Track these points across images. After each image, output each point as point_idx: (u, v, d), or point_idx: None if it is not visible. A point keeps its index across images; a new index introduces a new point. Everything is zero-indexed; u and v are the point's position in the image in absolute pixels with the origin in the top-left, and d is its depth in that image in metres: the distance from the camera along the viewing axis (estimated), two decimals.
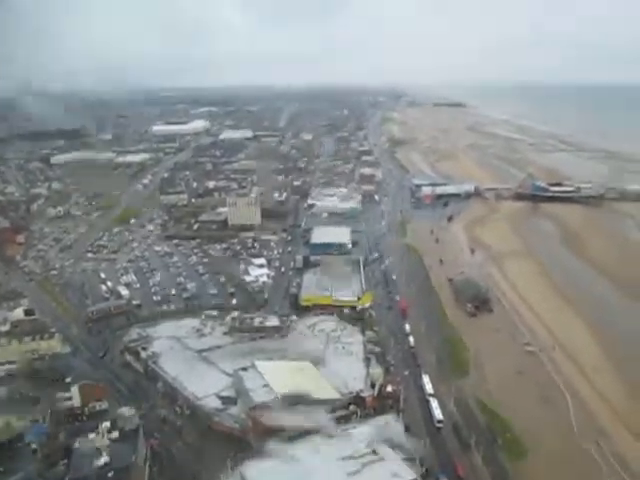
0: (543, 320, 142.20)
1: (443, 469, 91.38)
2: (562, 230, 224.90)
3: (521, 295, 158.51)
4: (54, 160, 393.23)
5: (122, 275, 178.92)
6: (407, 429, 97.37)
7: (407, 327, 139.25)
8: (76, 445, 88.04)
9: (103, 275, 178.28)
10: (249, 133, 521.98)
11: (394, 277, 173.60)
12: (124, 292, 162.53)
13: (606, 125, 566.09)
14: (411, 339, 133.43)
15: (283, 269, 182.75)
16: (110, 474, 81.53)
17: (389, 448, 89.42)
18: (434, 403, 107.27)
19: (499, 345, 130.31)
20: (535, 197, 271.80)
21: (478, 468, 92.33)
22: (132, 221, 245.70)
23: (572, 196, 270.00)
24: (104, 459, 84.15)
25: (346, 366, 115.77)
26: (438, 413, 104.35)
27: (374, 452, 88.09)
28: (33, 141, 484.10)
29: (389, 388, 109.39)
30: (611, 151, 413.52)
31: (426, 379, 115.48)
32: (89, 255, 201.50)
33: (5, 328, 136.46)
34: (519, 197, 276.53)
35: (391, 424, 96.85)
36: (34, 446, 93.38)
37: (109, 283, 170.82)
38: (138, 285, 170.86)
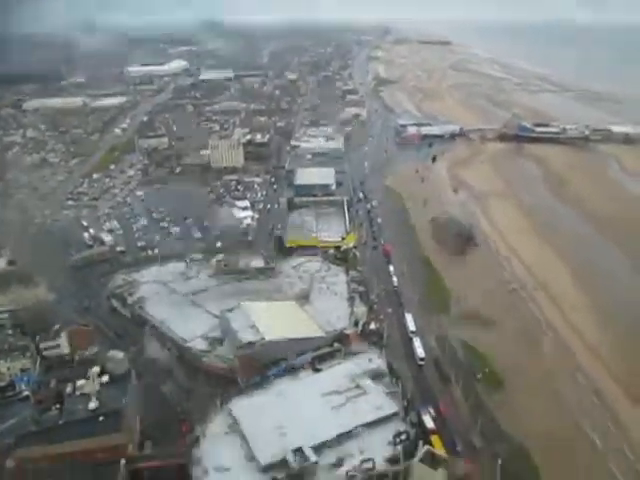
0: (524, 259, 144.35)
1: (424, 402, 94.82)
2: (545, 171, 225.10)
3: (503, 235, 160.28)
4: (26, 106, 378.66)
5: (104, 222, 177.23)
6: (390, 365, 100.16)
7: (391, 268, 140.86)
8: (68, 390, 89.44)
9: (85, 222, 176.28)
10: (230, 73, 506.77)
11: (378, 218, 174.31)
12: (107, 239, 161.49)
13: (594, 66, 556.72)
14: (394, 279, 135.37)
15: (269, 206, 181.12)
16: (102, 417, 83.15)
17: (372, 383, 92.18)
18: (417, 342, 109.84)
19: (480, 283, 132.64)
20: (520, 138, 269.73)
21: (457, 400, 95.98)
22: (112, 167, 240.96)
23: (557, 137, 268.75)
24: (96, 403, 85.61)
25: (330, 305, 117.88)
26: (420, 351, 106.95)
27: (357, 387, 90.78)
28: (1, 86, 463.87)
29: (372, 325, 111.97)
30: (598, 92, 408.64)
31: (409, 317, 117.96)
32: (69, 203, 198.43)
33: None
34: (504, 138, 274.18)
35: (374, 360, 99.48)
36: (26, 393, 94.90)
37: (91, 230, 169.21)
38: (121, 231, 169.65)
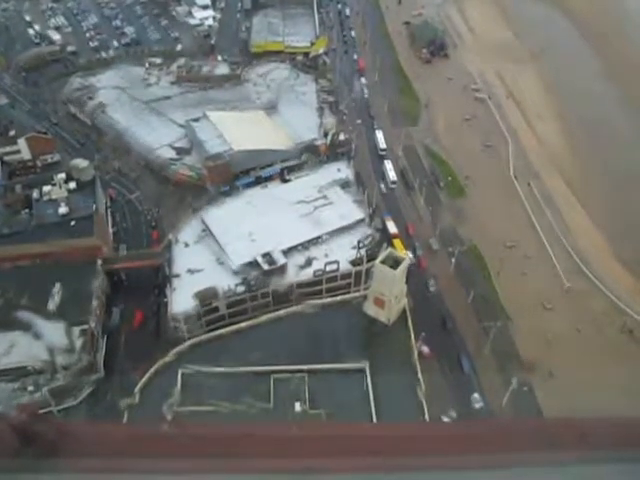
0: (497, 68, 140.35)
1: (388, 210, 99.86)
2: None
3: (479, 41, 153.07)
4: None
5: (50, 18, 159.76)
6: (357, 175, 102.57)
7: (362, 80, 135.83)
8: (35, 196, 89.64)
9: (28, 18, 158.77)
10: None
11: (349, 18, 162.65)
12: (55, 37, 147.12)
13: None
14: (365, 90, 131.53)
15: (237, 4, 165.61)
16: (74, 222, 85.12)
17: (340, 191, 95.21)
18: (388, 164, 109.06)
19: (451, 92, 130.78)
20: None
21: (420, 207, 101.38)
22: None
23: None
24: (65, 209, 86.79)
25: (299, 115, 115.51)
26: (392, 175, 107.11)
27: (325, 197, 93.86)
28: None
29: (342, 136, 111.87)
30: None
31: (379, 135, 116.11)
32: None
33: None
34: None
35: (342, 170, 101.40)
36: None
37: (36, 27, 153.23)
38: (70, 29, 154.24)
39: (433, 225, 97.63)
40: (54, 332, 71.84)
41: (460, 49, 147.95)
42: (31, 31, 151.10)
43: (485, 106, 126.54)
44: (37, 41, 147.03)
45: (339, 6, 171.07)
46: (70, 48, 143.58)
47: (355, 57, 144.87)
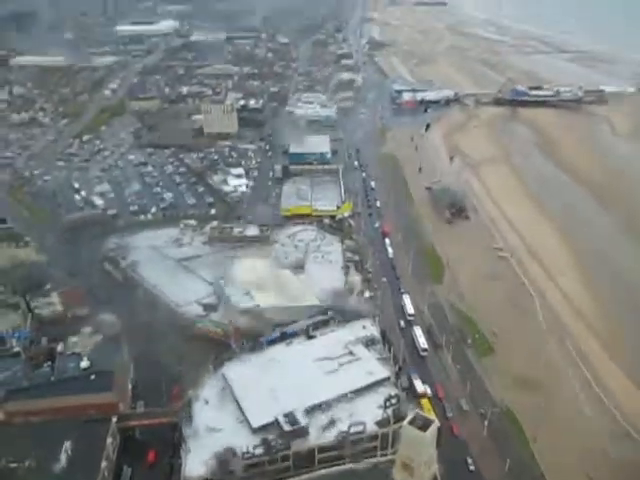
0: (516, 226, 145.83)
1: (415, 367, 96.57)
2: (539, 136, 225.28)
3: (496, 202, 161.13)
4: (14, 62, 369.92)
5: (96, 184, 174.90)
6: (383, 332, 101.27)
7: (386, 240, 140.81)
8: (59, 349, 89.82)
9: (76, 184, 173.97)
10: (222, 35, 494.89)
11: (373, 185, 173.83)
12: (99, 202, 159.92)
13: (593, 26, 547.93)
14: (390, 250, 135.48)
15: (268, 173, 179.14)
16: (94, 376, 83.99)
17: (365, 349, 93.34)
18: (417, 330, 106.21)
19: (473, 251, 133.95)
20: (514, 102, 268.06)
21: (448, 365, 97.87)
22: (102, 128, 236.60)
23: (551, 100, 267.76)
24: (87, 362, 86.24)
25: (325, 274, 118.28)
26: (422, 342, 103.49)
27: (350, 353, 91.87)
28: None
29: (367, 294, 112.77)
30: (594, 53, 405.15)
31: (407, 299, 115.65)
32: (60, 164, 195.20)
33: None
34: (498, 102, 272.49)
35: (368, 327, 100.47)
36: (17, 349, 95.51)
37: (83, 192, 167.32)
38: (113, 195, 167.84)
39: (462, 384, 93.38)
40: None
41: (480, 211, 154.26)
42: (77, 197, 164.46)
43: (508, 264, 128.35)
44: (81, 205, 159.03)
45: (364, 174, 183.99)
46: (111, 211, 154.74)
47: (379, 219, 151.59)
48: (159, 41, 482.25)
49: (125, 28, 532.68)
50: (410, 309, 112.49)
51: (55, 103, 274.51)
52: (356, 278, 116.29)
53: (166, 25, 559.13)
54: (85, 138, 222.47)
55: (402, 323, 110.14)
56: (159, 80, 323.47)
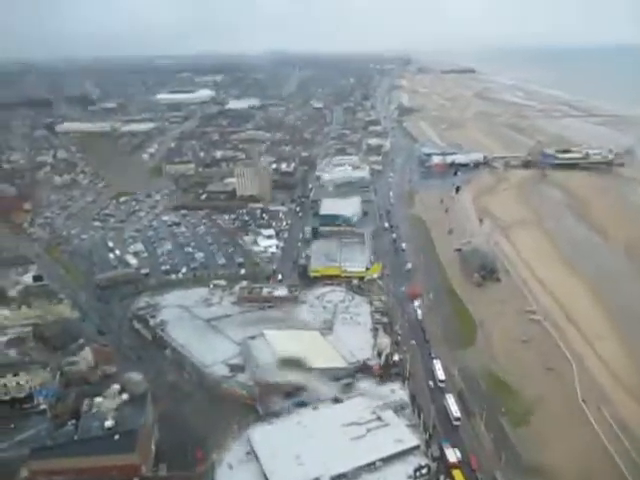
0: (549, 289, 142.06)
1: (447, 436, 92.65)
2: (570, 198, 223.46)
3: (528, 264, 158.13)
4: (59, 128, 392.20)
5: (130, 244, 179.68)
6: (413, 398, 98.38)
7: (416, 302, 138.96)
8: (85, 407, 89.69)
9: (111, 244, 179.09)
10: (255, 102, 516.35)
11: (403, 247, 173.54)
12: (132, 261, 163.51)
13: (618, 88, 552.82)
14: (419, 312, 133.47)
15: (296, 235, 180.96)
16: (118, 436, 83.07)
17: (394, 414, 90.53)
18: (450, 399, 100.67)
19: (505, 314, 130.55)
20: (543, 165, 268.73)
21: (481, 434, 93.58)
22: (139, 190, 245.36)
23: (581, 163, 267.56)
24: (112, 422, 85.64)
25: (354, 336, 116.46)
26: (455, 410, 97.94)
27: (379, 418, 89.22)
28: (37, 108, 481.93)
29: (396, 357, 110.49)
30: (621, 115, 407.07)
31: (437, 364, 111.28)
32: (96, 224, 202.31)
33: (15, 293, 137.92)
34: (528, 165, 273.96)
35: (397, 392, 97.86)
36: (43, 406, 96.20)
37: (117, 252, 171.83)
38: (146, 254, 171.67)
39: (497, 455, 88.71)
40: None
41: (511, 273, 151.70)
42: (111, 255, 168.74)
43: (542, 327, 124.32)
44: (115, 264, 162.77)
45: (394, 235, 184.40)
46: (143, 270, 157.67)
47: (409, 281, 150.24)
48: (196, 108, 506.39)
49: (165, 97, 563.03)
50: (441, 375, 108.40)
51: (95, 166, 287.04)
52: (385, 340, 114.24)
53: (204, 94, 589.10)
54: (122, 199, 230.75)
55: (432, 387, 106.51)
56: (195, 145, 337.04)
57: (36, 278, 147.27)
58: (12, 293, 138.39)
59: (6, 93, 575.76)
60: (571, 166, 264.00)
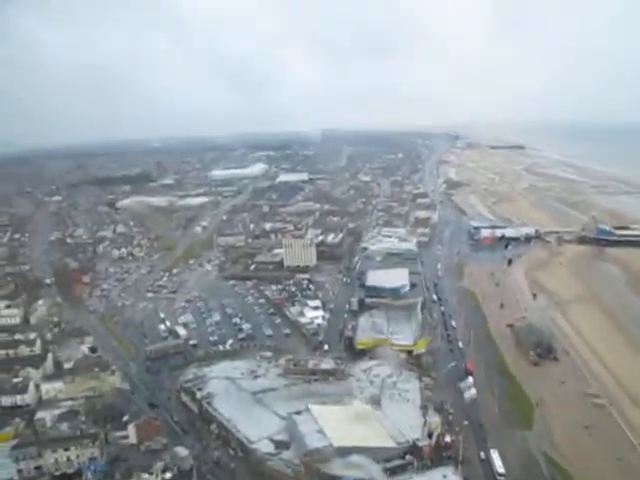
0: (612, 370, 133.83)
1: None
2: (629, 275, 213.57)
3: (587, 343, 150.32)
4: (119, 204, 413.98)
5: (180, 315, 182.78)
6: None
7: (469, 379, 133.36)
8: None
9: (162, 314, 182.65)
10: (305, 176, 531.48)
11: (453, 321, 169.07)
12: (182, 332, 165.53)
13: None
14: (472, 390, 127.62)
15: (345, 305, 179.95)
16: None
17: None
18: None
19: (564, 397, 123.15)
20: (600, 241, 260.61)
21: None
22: (191, 262, 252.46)
23: (639, 240, 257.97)
24: None
25: (402, 413, 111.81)
26: None
27: None
28: (102, 186, 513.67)
29: (447, 438, 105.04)
30: None
31: (495, 454, 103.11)
32: (149, 295, 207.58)
33: (70, 365, 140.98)
34: (583, 241, 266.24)
35: (449, 477, 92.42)
36: None
37: (167, 322, 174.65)
38: (195, 325, 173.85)
39: None
40: None
41: (571, 353, 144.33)
42: (162, 326, 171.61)
43: (605, 412, 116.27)
44: (165, 335, 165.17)
45: (442, 308, 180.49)
46: (192, 341, 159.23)
47: (459, 356, 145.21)
48: (248, 183, 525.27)
49: (219, 172, 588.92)
50: (500, 467, 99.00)
51: (151, 239, 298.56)
52: (436, 419, 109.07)
53: (255, 169, 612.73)
54: (174, 271, 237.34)
55: (487, 473, 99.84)
56: (245, 217, 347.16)
57: (91, 350, 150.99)
58: (67, 365, 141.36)
59: (77, 173, 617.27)
60: (630, 243, 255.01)
